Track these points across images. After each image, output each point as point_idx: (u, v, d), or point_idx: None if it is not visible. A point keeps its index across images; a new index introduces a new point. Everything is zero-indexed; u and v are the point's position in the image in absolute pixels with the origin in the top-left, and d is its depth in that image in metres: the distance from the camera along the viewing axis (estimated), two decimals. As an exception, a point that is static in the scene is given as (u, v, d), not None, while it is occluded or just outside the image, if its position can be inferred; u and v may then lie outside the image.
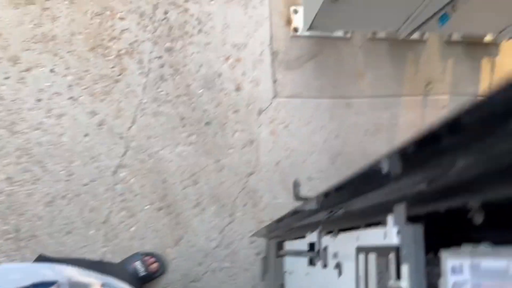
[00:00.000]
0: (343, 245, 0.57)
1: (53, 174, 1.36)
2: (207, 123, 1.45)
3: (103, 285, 0.69)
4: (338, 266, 0.59)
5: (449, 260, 0.33)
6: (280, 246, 1.08)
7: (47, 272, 0.59)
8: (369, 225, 0.49)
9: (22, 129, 1.38)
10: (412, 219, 0.38)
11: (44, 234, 1.32)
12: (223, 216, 1.40)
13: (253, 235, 1.32)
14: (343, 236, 0.58)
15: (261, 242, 1.38)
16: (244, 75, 1.49)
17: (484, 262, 0.26)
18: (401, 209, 0.38)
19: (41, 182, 1.35)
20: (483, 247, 0.26)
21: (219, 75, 1.48)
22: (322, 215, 0.64)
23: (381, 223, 0.44)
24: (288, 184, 1.47)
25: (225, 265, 1.37)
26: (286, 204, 1.45)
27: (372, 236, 0.46)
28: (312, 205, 0.62)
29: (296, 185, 0.75)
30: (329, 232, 0.63)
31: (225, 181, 1.43)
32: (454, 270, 0.31)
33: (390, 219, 0.41)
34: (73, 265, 0.72)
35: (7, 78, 1.40)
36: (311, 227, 0.73)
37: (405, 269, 0.38)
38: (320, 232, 0.67)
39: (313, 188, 1.48)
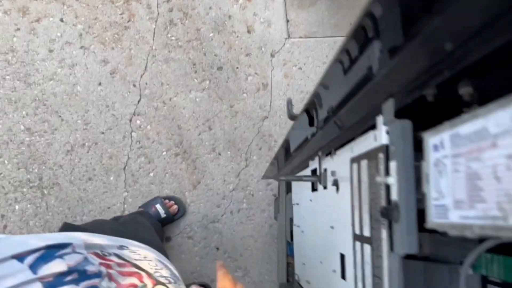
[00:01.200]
0: (340, 161, 0.60)
1: (70, 123, 1.43)
2: (219, 68, 1.47)
3: (120, 247, 0.71)
4: (335, 183, 0.62)
5: (431, 139, 0.35)
6: (289, 184, 1.13)
7: (62, 236, 0.61)
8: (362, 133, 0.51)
9: (37, 80, 1.44)
10: (401, 117, 0.40)
11: (66, 182, 1.41)
12: (238, 160, 1.46)
13: (263, 177, 1.37)
14: (339, 152, 0.61)
15: (276, 184, 1.43)
16: (255, 15, 1.49)
17: (463, 128, 0.29)
18: (389, 106, 0.40)
19: (59, 132, 1.43)
20: (463, 115, 0.29)
21: (229, 17, 1.48)
22: (319, 140, 0.67)
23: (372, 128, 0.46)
24: (303, 127, 1.49)
25: (243, 207, 1.44)
26: (301, 147, 1.49)
27: (364, 143, 0.49)
28: (305, 120, 0.65)
29: (289, 103, 0.78)
30: (328, 154, 0.66)
31: (239, 126, 1.47)
32: (436, 148, 0.33)
33: (379, 119, 0.43)
34: (95, 231, 0.73)
35: (17, 29, 1.44)
36: (312, 156, 0.77)
37: (393, 165, 0.40)
38: (320, 157, 0.70)
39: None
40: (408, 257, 0.58)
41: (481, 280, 0.43)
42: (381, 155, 0.44)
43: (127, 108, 1.46)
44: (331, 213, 0.66)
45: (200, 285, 1.40)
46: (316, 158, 0.77)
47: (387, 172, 0.42)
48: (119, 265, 0.63)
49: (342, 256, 0.58)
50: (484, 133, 0.26)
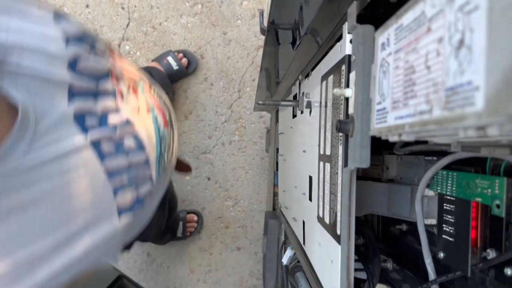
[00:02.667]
0: (313, 81, 0.58)
1: (58, 47, 1.39)
2: (213, -9, 1.39)
3: None
4: (308, 105, 0.60)
5: (380, 38, 0.32)
6: (278, 115, 1.11)
7: None
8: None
9: (21, 1, 1.38)
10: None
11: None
12: (231, 91, 1.43)
13: (255, 109, 1.35)
14: (313, 73, 0.58)
15: (269, 117, 1.42)
16: None
17: (406, 17, 0.26)
18: (353, 10, 0.37)
19: (47, 56, 1.39)
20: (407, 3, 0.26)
21: None
22: (296, 60, 0.64)
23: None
24: (299, 58, 1.44)
25: (235, 139, 1.44)
26: (297, 78, 1.45)
27: (332, 57, 0.46)
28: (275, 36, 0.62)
29: (261, 14, 0.74)
30: (307, 76, 0.64)
31: (232, 56, 1.42)
32: (383, 46, 0.31)
33: (344, 28, 0.40)
34: None
35: None
36: (294, 81, 0.74)
37: (352, 76, 0.37)
38: (300, 81, 0.67)
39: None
40: (374, 179, 0.57)
41: (439, 199, 0.42)
42: (343, 67, 0.42)
43: (116, 33, 1.41)
44: (304, 137, 0.65)
45: (191, 212, 1.45)
46: (297, 83, 0.74)
47: (348, 85, 0.40)
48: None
49: (310, 178, 0.58)
50: (422, 19, 0.23)
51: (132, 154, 0.52)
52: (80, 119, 0.45)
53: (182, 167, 0.97)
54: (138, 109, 0.57)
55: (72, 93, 0.44)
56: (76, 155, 0.43)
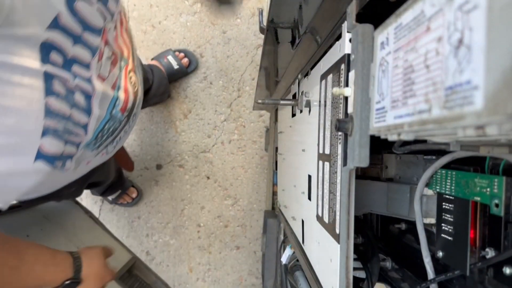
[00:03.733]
0: (312, 80, 0.58)
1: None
2: (212, -10, 1.39)
3: None
4: (308, 104, 0.60)
5: (380, 36, 0.32)
6: (277, 114, 1.11)
7: None
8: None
9: None
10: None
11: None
12: (231, 90, 1.43)
13: (254, 107, 1.35)
14: (312, 72, 0.58)
15: (269, 116, 1.41)
16: None
17: (405, 16, 0.26)
18: (352, 9, 0.37)
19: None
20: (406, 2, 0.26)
21: None
22: (296, 59, 0.64)
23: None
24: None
25: (234, 138, 1.44)
26: (296, 77, 1.45)
27: (331, 56, 0.46)
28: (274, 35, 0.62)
29: (260, 13, 0.74)
30: (306, 75, 0.63)
31: (232, 54, 1.42)
32: (382, 45, 0.31)
33: (344, 26, 0.40)
34: None
35: None
36: (293, 80, 0.74)
37: (351, 75, 0.37)
38: (299, 80, 0.67)
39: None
40: (373, 178, 0.57)
41: (438, 199, 0.42)
42: (343, 66, 0.42)
43: (115, 32, 1.41)
44: (304, 136, 0.65)
45: (135, 187, 1.41)
46: (296, 82, 0.74)
47: (347, 84, 0.40)
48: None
49: (309, 177, 0.58)
50: (421, 18, 0.23)
51: (77, 110, 0.51)
52: (46, 49, 0.44)
53: (125, 162, 0.94)
54: (104, 79, 0.57)
55: (56, 23, 0.44)
56: (22, 75, 0.43)
